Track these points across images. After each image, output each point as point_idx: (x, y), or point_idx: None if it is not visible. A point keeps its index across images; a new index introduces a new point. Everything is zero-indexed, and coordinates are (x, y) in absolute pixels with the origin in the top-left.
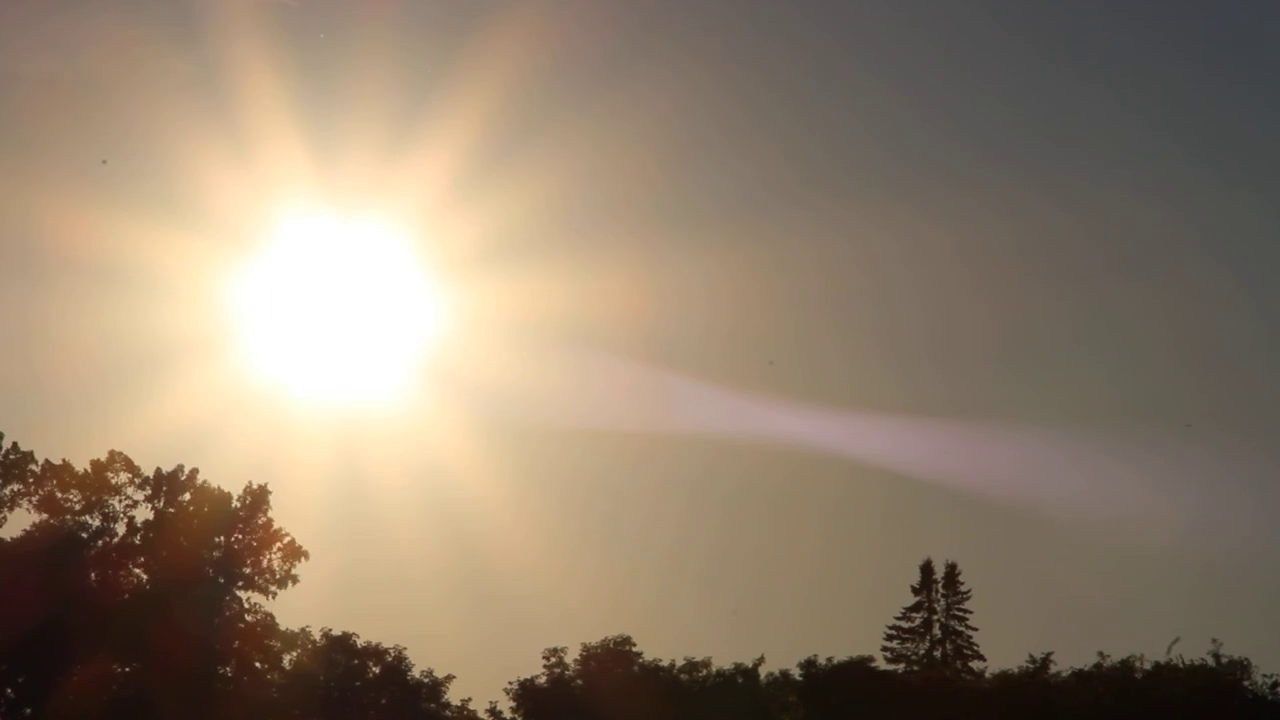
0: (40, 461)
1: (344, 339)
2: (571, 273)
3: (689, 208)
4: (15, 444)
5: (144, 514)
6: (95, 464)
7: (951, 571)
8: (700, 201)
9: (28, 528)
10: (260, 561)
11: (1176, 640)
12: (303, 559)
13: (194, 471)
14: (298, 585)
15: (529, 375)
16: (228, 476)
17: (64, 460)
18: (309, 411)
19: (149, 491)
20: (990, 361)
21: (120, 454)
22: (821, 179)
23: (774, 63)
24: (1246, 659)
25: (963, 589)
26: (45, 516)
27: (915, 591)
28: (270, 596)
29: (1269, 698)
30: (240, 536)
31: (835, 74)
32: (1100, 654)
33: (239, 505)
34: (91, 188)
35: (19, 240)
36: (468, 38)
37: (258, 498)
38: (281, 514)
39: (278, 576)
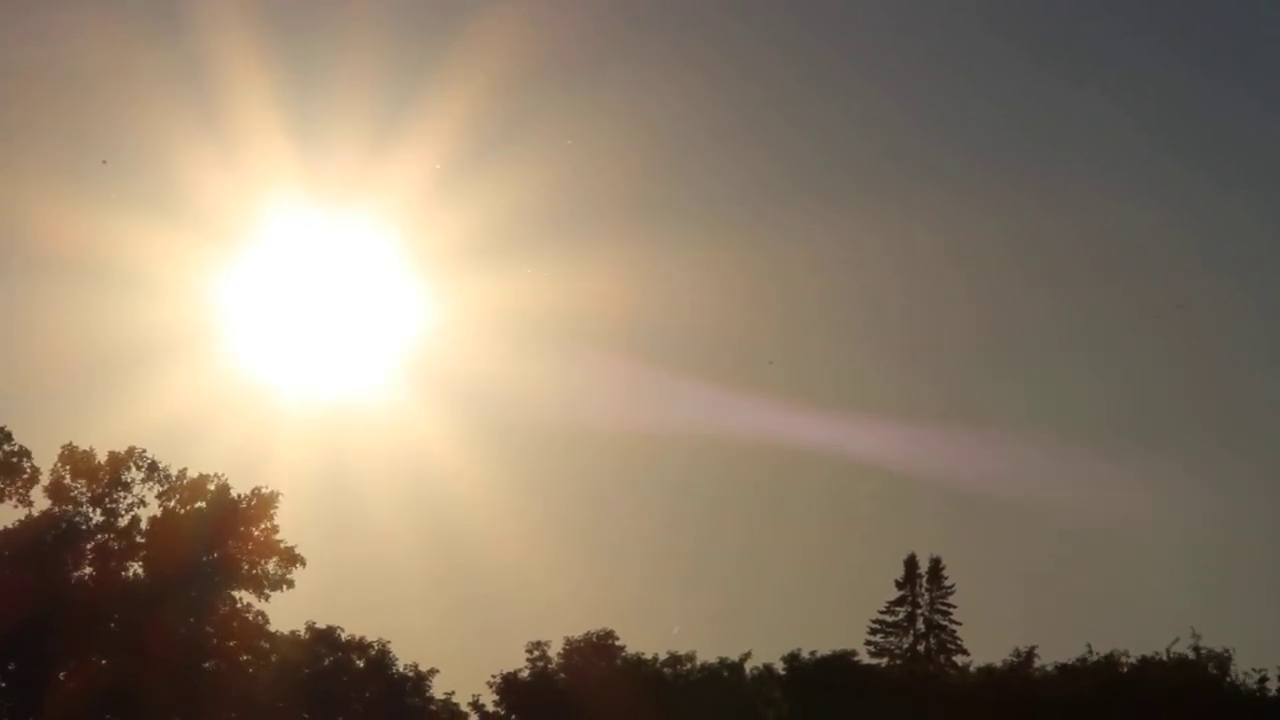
0: (32, 455)
1: (329, 334)
2: (558, 269)
3: (677, 207)
4: (9, 433)
5: (151, 511)
6: (112, 456)
7: (936, 566)
8: (688, 201)
9: (23, 517)
10: (257, 564)
11: (1176, 640)
12: (299, 565)
13: (223, 484)
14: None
15: (515, 371)
16: (219, 473)
17: (90, 448)
18: (294, 407)
19: (163, 490)
20: (980, 363)
21: (139, 450)
22: (811, 180)
23: (764, 64)
24: (1227, 650)
25: (947, 583)
26: (49, 504)
27: (899, 585)
28: (264, 599)
29: (1256, 692)
30: (241, 540)
31: (825, 75)
32: (1088, 647)
33: (245, 507)
34: (75, 182)
35: (1, 234)
36: (454, 33)
37: (265, 502)
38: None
39: (273, 580)
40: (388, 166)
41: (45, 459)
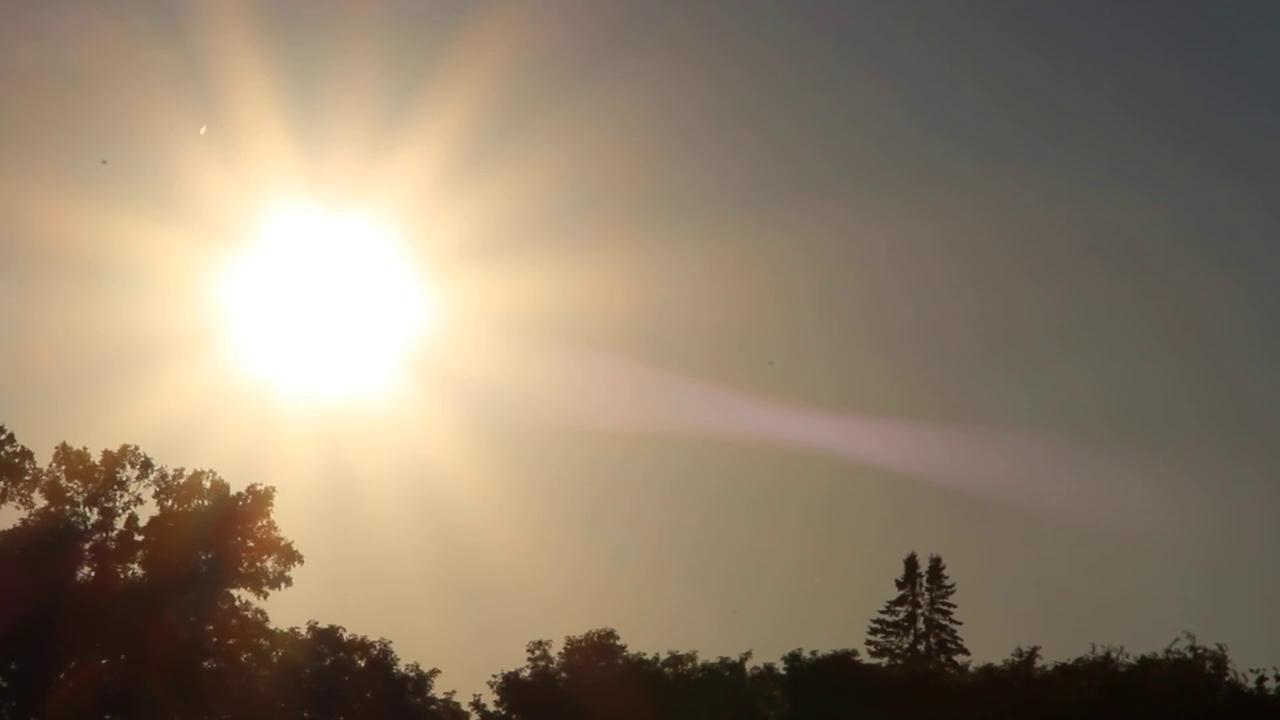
0: (34, 458)
1: (330, 334)
2: (558, 268)
3: (675, 204)
4: (11, 435)
5: (149, 510)
6: (107, 455)
7: (936, 565)
8: (687, 197)
9: (25, 517)
10: (256, 562)
11: (1176, 640)
12: (298, 563)
13: (220, 481)
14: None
15: (515, 371)
16: (215, 470)
17: (83, 448)
18: (296, 406)
19: (159, 488)
20: (977, 358)
21: (132, 448)
22: (809, 175)
23: (762, 59)
24: (1222, 645)
25: (947, 583)
26: (45, 504)
27: (900, 585)
28: (263, 597)
29: (1255, 691)
30: (239, 539)
31: (822, 70)
32: (1092, 646)
33: (242, 505)
34: (76, 181)
35: (2, 233)
36: (454, 32)
37: (261, 499)
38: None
39: (271, 577)
40: (388, 166)
41: (47, 459)
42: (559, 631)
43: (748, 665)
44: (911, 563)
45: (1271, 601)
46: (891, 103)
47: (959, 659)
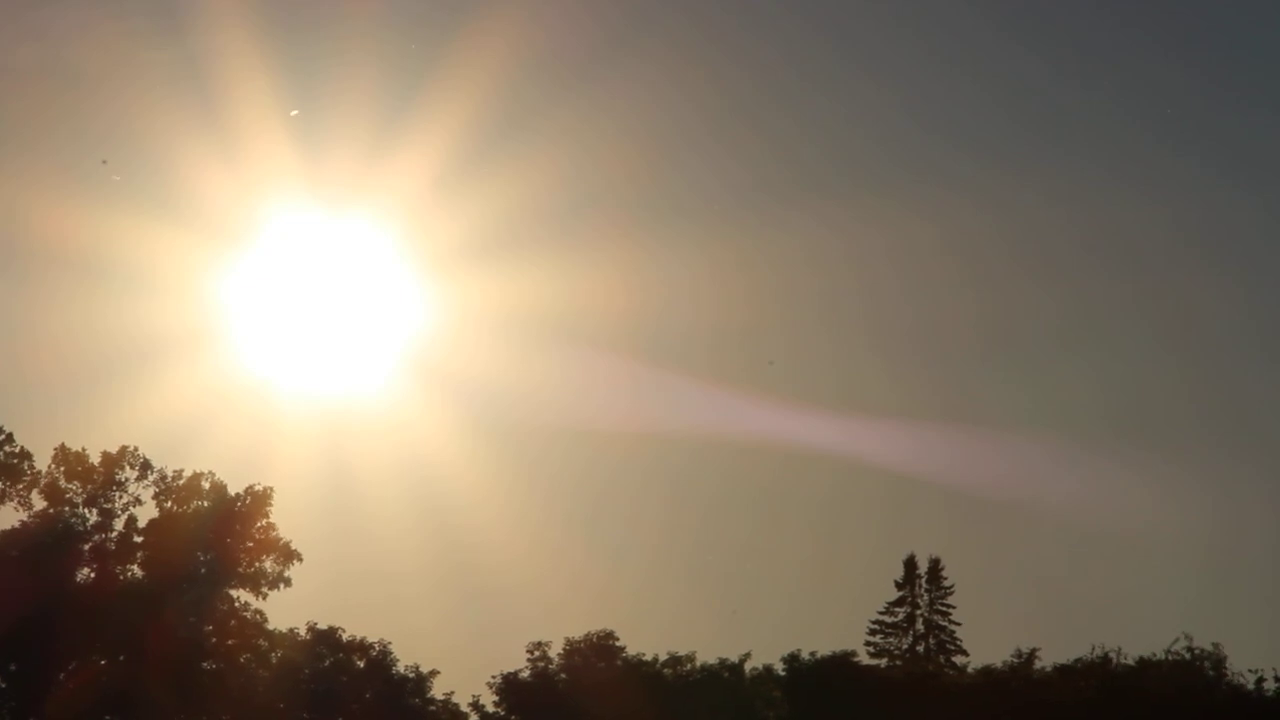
0: (34, 458)
1: (330, 334)
2: (558, 268)
3: (675, 203)
4: (10, 435)
5: (148, 512)
6: (106, 456)
7: (935, 566)
8: (687, 197)
9: (24, 519)
10: (255, 563)
11: (1176, 641)
12: (296, 562)
13: (219, 482)
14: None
15: (515, 371)
16: (214, 471)
17: (81, 449)
18: (295, 406)
19: (158, 490)
20: (977, 358)
21: (131, 449)
22: (809, 175)
23: (762, 59)
24: (1218, 646)
25: (946, 584)
26: (44, 505)
27: (899, 586)
28: (261, 597)
29: (1254, 692)
30: (238, 539)
31: (822, 70)
32: (1093, 647)
33: (240, 506)
34: (76, 181)
35: (2, 233)
36: (454, 32)
37: (259, 499)
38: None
39: (270, 578)
40: (388, 166)
41: (46, 459)
42: (559, 632)
43: (747, 666)
44: (911, 563)
45: (1271, 601)
46: (891, 103)
47: (958, 660)
